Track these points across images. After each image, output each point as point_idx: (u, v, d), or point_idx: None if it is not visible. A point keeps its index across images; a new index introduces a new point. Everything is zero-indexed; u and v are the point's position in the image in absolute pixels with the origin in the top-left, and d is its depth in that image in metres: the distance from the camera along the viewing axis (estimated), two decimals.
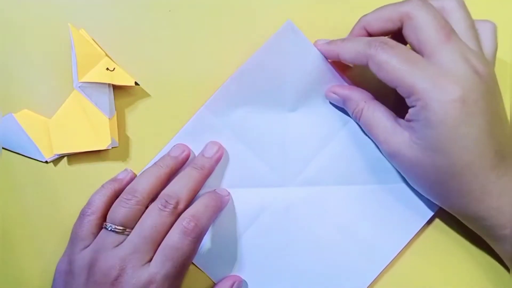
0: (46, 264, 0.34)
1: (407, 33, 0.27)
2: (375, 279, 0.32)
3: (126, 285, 0.27)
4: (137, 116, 0.34)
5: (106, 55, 0.33)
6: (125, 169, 0.33)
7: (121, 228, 0.28)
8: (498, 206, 0.27)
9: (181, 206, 0.29)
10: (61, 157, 0.34)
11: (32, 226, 0.34)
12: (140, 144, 0.34)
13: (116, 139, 0.33)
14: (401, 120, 0.28)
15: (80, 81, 0.32)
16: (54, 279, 0.30)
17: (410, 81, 0.26)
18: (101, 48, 0.33)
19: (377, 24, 0.28)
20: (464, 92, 0.25)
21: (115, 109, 0.33)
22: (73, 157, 0.34)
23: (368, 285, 0.32)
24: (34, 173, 0.34)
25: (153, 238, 0.28)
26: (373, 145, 0.31)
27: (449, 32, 0.26)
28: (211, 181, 0.32)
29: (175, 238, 0.28)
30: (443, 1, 0.28)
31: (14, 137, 0.33)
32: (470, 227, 0.30)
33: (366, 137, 0.32)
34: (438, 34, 0.26)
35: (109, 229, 0.28)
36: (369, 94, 0.31)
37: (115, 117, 0.33)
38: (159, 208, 0.29)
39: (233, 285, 0.31)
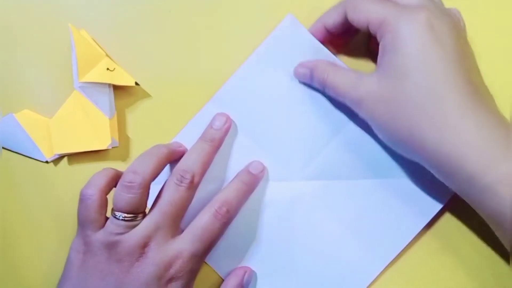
0: (46, 264, 0.34)
1: None
2: (380, 273, 0.32)
3: (153, 260, 0.27)
4: (137, 116, 0.34)
5: (107, 55, 0.33)
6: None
7: (132, 216, 0.28)
8: (477, 143, 0.24)
9: (196, 180, 0.29)
10: (61, 157, 0.34)
11: (32, 226, 0.34)
12: (140, 144, 0.34)
13: (116, 139, 0.33)
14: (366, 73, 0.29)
15: (80, 81, 0.32)
16: (69, 258, 0.29)
17: (381, 14, 0.27)
18: (102, 48, 0.33)
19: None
20: (430, 19, 0.26)
21: (115, 109, 0.33)
22: (74, 157, 0.34)
23: (373, 279, 0.32)
24: (34, 173, 0.34)
25: (173, 213, 0.28)
26: (379, 140, 0.31)
27: None
28: (217, 174, 0.33)
29: (207, 220, 0.29)
30: None
31: (14, 137, 0.33)
32: (453, 187, 0.27)
33: (371, 131, 0.32)
34: None
35: (120, 218, 0.28)
36: (334, 63, 0.31)
37: (115, 117, 0.33)
38: (175, 183, 0.29)
39: (244, 274, 0.32)
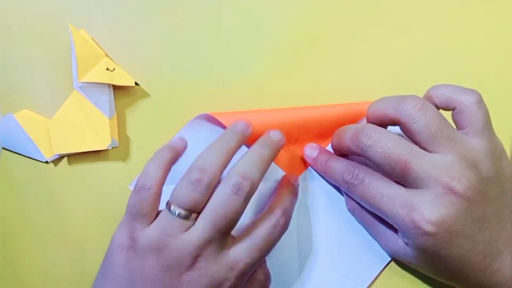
0: (46, 264, 0.34)
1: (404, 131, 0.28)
2: (380, 273, 0.32)
3: (206, 271, 0.26)
4: (137, 116, 0.34)
5: (106, 55, 0.33)
6: (181, 138, 0.29)
7: (188, 213, 0.26)
8: None
9: (254, 190, 0.27)
10: (61, 157, 0.34)
11: (32, 226, 0.34)
12: (140, 144, 0.34)
13: (116, 139, 0.33)
14: (394, 228, 0.29)
15: (80, 81, 0.32)
16: (111, 252, 0.27)
17: (390, 213, 0.27)
18: (101, 48, 0.33)
19: (376, 120, 0.29)
20: (431, 226, 0.26)
21: (115, 109, 0.33)
22: (73, 157, 0.34)
23: (373, 279, 0.32)
24: (34, 173, 0.34)
25: (227, 228, 0.26)
26: None
27: (439, 142, 0.26)
28: None
29: (266, 230, 0.27)
30: (462, 96, 0.27)
31: (14, 137, 0.33)
32: None
33: None
34: (424, 143, 0.27)
35: (175, 213, 0.26)
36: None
37: (115, 117, 0.33)
38: (232, 191, 0.26)
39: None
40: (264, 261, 0.30)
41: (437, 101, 0.28)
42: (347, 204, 0.32)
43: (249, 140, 0.29)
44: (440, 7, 0.33)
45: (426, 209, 0.26)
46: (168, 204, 0.26)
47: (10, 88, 0.34)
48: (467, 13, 0.33)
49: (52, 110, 0.33)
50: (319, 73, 0.33)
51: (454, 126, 0.28)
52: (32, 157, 0.33)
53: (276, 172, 0.33)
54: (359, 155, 0.28)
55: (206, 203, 0.26)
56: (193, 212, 0.26)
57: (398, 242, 0.29)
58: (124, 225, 0.27)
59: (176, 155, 0.28)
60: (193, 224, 0.26)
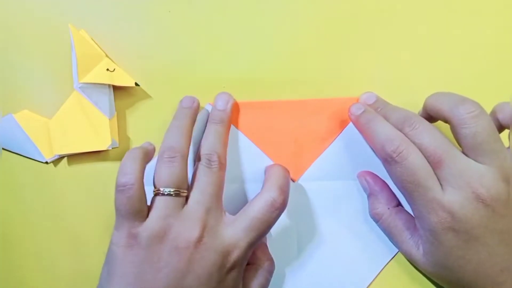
0: (46, 264, 0.34)
1: (452, 131, 0.28)
2: (380, 273, 0.33)
3: (212, 246, 0.26)
4: (137, 117, 0.34)
5: (106, 55, 0.33)
6: (149, 143, 0.31)
7: (177, 190, 0.27)
8: None
9: (223, 160, 0.29)
10: (61, 157, 0.34)
11: (32, 226, 0.34)
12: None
13: (116, 139, 0.33)
14: (417, 233, 0.29)
15: (80, 81, 0.32)
16: (113, 254, 0.26)
17: (419, 203, 0.27)
18: (101, 49, 0.33)
19: (430, 111, 0.29)
20: (454, 222, 0.26)
21: (115, 110, 0.33)
22: (73, 157, 0.34)
23: (373, 279, 0.32)
24: (34, 173, 0.34)
25: (216, 192, 0.28)
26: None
27: (481, 153, 0.26)
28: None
29: (263, 210, 0.28)
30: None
31: (14, 138, 0.33)
32: None
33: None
34: (467, 149, 0.27)
35: (166, 193, 0.27)
36: (395, 198, 0.32)
37: (115, 118, 0.33)
38: (206, 166, 0.29)
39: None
40: (266, 247, 0.31)
41: (500, 117, 0.29)
42: (372, 209, 0.32)
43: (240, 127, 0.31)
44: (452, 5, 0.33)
45: (453, 208, 0.26)
46: (155, 190, 0.27)
47: (10, 88, 0.34)
48: (474, 13, 0.33)
49: (52, 111, 0.33)
50: (320, 74, 0.33)
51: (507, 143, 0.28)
52: (32, 157, 0.33)
53: None
54: None
55: (188, 181, 0.28)
56: (181, 188, 0.27)
57: (418, 251, 0.29)
58: (120, 227, 0.27)
59: (147, 154, 0.29)
60: (185, 201, 0.27)
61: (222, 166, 0.29)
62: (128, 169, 0.27)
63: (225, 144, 0.31)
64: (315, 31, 0.33)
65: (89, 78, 0.32)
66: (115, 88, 0.33)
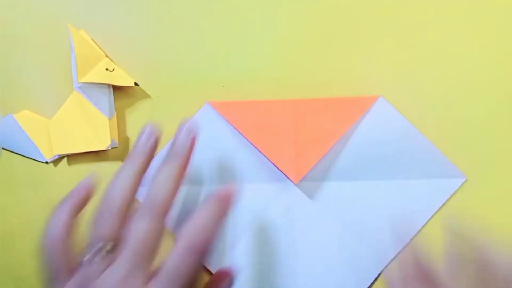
0: None
1: None
2: (378, 274, 0.32)
3: None
4: (137, 117, 0.34)
5: (106, 55, 0.33)
6: (88, 179, 0.28)
7: (108, 244, 0.25)
8: None
9: (166, 207, 0.25)
10: (61, 157, 0.34)
11: (32, 226, 0.34)
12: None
13: (116, 139, 0.33)
14: None
15: (80, 81, 0.32)
16: None
17: None
18: (101, 49, 0.33)
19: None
20: None
21: (115, 110, 0.33)
22: (73, 157, 0.34)
23: (373, 279, 0.32)
24: (34, 173, 0.34)
25: (148, 253, 0.24)
26: (380, 142, 0.31)
27: None
28: (217, 174, 0.32)
29: (176, 262, 0.24)
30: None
31: (14, 138, 0.33)
32: None
33: (373, 135, 0.32)
34: None
35: (97, 248, 0.24)
36: None
37: (115, 118, 0.33)
38: (145, 214, 0.25)
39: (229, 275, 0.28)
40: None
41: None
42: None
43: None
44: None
45: None
46: (89, 245, 0.25)
47: (9, 88, 0.34)
48: (475, 13, 0.32)
49: (52, 111, 0.33)
50: (320, 74, 0.33)
51: None
52: (32, 157, 0.34)
53: (275, 173, 0.33)
54: None
55: (123, 234, 0.25)
56: (113, 243, 0.25)
57: None
58: None
59: (79, 204, 0.27)
60: (115, 257, 0.24)
61: (161, 214, 0.25)
62: (51, 228, 0.26)
63: (173, 187, 0.26)
64: (315, 31, 0.33)
65: (89, 78, 0.32)
66: (115, 88, 0.33)
